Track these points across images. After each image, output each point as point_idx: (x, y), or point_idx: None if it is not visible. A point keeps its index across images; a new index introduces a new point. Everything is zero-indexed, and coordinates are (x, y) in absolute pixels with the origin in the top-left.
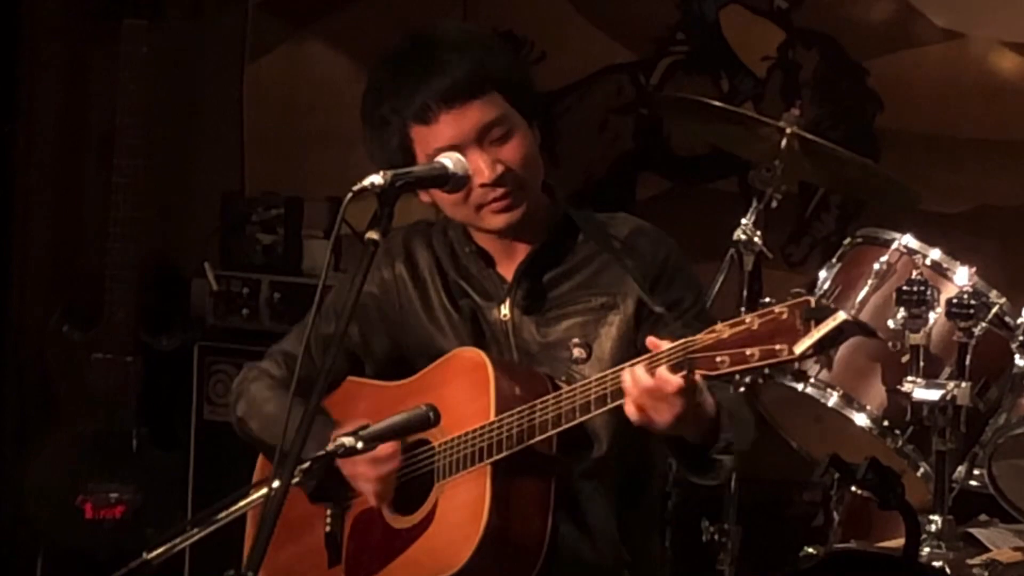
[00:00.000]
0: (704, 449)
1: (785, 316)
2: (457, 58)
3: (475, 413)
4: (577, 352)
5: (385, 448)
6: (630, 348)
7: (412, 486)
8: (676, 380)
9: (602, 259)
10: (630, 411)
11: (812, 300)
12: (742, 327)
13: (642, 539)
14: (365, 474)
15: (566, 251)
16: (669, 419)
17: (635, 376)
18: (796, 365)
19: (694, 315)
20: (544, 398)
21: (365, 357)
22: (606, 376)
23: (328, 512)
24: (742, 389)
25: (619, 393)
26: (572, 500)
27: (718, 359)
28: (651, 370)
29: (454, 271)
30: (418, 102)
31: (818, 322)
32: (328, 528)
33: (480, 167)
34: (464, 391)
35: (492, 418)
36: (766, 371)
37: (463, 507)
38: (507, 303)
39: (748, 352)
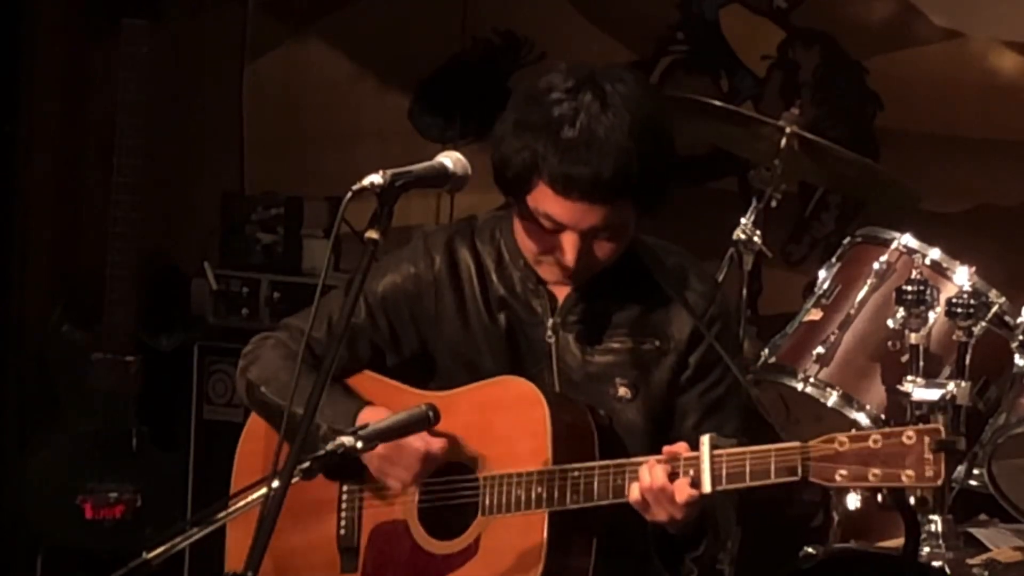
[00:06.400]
0: (681, 545)
1: (913, 442)
2: (612, 159)
3: (530, 454)
4: (623, 391)
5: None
6: (679, 395)
7: (450, 512)
8: (688, 492)
9: (656, 297)
10: (633, 498)
11: (943, 430)
12: (863, 443)
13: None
14: (411, 462)
15: (622, 280)
16: (663, 519)
17: (653, 473)
18: (919, 492)
19: (725, 390)
20: (620, 462)
21: (390, 351)
22: (676, 458)
23: (341, 515)
24: None
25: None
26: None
27: (838, 473)
28: (670, 474)
29: (499, 281)
30: (562, 173)
31: (948, 453)
32: (342, 531)
33: (568, 248)
34: (516, 426)
35: (551, 465)
36: (883, 491)
37: (515, 550)
38: (554, 324)
39: (871, 473)
